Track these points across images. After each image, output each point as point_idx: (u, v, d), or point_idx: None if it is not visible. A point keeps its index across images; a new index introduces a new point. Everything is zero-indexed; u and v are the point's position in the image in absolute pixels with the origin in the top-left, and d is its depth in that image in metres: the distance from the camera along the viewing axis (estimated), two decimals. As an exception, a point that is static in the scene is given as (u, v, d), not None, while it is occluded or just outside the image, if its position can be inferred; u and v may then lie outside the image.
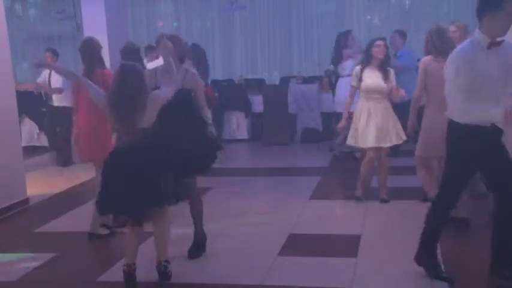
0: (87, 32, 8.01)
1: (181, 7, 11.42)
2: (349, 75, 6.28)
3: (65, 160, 7.87)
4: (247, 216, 5.26)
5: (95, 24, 7.96)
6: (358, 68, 5.30)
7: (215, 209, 5.48)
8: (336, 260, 4.04)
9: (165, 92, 3.68)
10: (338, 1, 10.72)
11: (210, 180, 6.30)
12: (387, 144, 5.20)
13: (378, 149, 5.23)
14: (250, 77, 10.63)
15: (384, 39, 5.35)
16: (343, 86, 7.08)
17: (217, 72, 10.69)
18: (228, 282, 3.75)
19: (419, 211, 4.80)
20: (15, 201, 5.74)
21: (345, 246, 4.31)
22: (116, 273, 3.94)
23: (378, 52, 5.17)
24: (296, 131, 9.27)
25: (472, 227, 4.56)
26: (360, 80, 5.23)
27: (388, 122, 5.19)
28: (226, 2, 10.76)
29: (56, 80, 7.55)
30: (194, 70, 4.25)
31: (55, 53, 7.96)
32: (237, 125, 9.41)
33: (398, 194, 5.45)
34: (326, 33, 10.14)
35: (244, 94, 9.37)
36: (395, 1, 10.66)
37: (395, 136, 5.21)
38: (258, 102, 9.25)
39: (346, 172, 6.44)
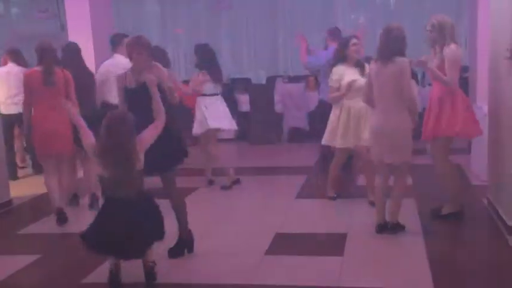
0: (72, 32, 7.93)
1: (167, 6, 11.37)
2: None
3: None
4: (233, 215, 5.25)
5: (79, 24, 7.87)
6: (336, 68, 5.19)
7: (202, 209, 5.46)
8: (323, 259, 4.04)
9: (147, 132, 3.67)
10: (324, 1, 10.74)
11: (197, 180, 6.30)
12: (363, 143, 5.05)
13: (348, 150, 5.26)
14: (236, 76, 10.61)
15: (356, 36, 5.29)
16: None
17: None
18: (215, 282, 3.73)
19: (405, 209, 4.85)
20: (-2, 203, 5.67)
21: (332, 244, 4.31)
22: (100, 275, 3.90)
23: (355, 51, 5.12)
24: (282, 130, 9.28)
25: (462, 224, 4.60)
26: (339, 80, 5.14)
27: (365, 122, 5.11)
28: (212, 2, 10.73)
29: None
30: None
31: (16, 53, 7.34)
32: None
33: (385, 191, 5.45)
34: (312, 32, 10.13)
35: (231, 93, 9.36)
36: (380, 0, 10.71)
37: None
38: (244, 102, 9.25)
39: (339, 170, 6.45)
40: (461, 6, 9.84)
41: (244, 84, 9.97)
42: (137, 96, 3.93)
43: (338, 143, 5.21)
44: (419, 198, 5.23)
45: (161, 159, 3.87)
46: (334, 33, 6.58)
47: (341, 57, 5.19)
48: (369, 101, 4.46)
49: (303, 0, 10.84)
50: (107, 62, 6.07)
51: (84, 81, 5.47)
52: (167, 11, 11.41)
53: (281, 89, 9.33)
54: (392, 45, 4.17)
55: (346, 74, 5.12)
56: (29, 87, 5.05)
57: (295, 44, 6.89)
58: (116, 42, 6.08)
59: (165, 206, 3.86)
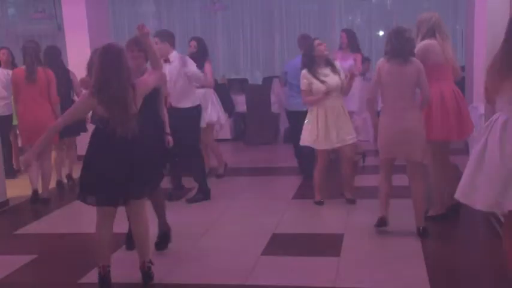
0: (68, 32, 7.93)
1: (163, 6, 11.37)
2: None
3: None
4: (229, 216, 5.25)
5: (76, 24, 7.88)
6: (305, 71, 5.19)
7: (198, 209, 5.46)
8: (319, 259, 4.04)
9: (150, 77, 3.64)
10: (320, 1, 10.76)
11: (193, 181, 6.28)
12: (346, 142, 5.16)
13: (328, 151, 5.27)
14: (232, 77, 10.62)
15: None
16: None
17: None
18: (211, 282, 3.73)
19: (402, 210, 4.85)
20: (-6, 203, 5.67)
21: (328, 245, 4.31)
22: (96, 275, 3.90)
23: (321, 50, 5.14)
24: (279, 131, 9.28)
25: (459, 224, 4.60)
26: (310, 83, 5.15)
27: (343, 120, 5.17)
28: (209, 2, 10.73)
29: None
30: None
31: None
32: (220, 124, 9.38)
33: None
34: (308, 33, 10.13)
35: (227, 94, 9.35)
36: (376, 1, 10.73)
37: (349, 135, 5.21)
38: (240, 102, 9.25)
39: (329, 172, 6.45)
40: (458, 6, 9.87)
41: (241, 84, 9.97)
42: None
43: (321, 145, 5.20)
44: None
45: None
46: (300, 41, 6.60)
47: (309, 61, 5.21)
48: (374, 100, 4.55)
49: (299, 1, 10.85)
50: None
51: (64, 79, 6.22)
52: (163, 11, 11.41)
53: (277, 89, 9.33)
54: (408, 46, 4.26)
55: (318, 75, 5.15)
56: (14, 84, 5.76)
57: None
58: None
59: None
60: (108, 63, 3.35)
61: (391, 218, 4.54)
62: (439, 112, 4.45)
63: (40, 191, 5.91)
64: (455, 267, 3.82)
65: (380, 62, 4.41)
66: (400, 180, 5.88)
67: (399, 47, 4.24)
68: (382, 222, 4.44)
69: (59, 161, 6.50)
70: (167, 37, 5.53)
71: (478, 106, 5.77)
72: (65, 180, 6.69)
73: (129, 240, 4.13)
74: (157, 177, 3.81)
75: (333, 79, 5.15)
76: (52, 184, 6.19)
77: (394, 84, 4.29)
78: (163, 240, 4.27)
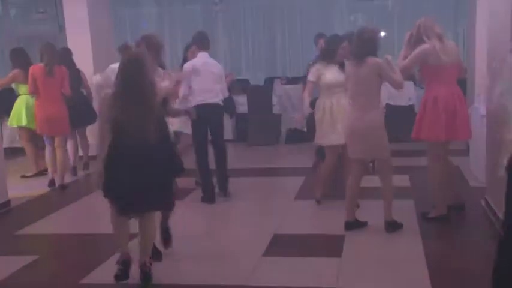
0: (70, 33, 7.94)
1: (164, 7, 11.38)
2: None
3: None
4: (231, 216, 5.25)
5: (78, 25, 7.89)
6: (319, 64, 5.25)
7: (199, 210, 5.46)
8: (321, 260, 4.04)
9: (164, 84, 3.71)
10: (321, 2, 10.76)
11: (194, 181, 6.28)
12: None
13: (337, 148, 5.23)
14: (234, 77, 10.60)
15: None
16: None
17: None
18: (212, 283, 3.73)
19: (403, 210, 4.86)
20: (-4, 204, 5.67)
21: (330, 246, 4.31)
22: (98, 275, 3.90)
23: (342, 54, 5.12)
24: (280, 132, 9.28)
25: (460, 225, 4.60)
26: (319, 75, 5.20)
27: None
28: (210, 3, 10.74)
29: None
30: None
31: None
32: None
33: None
34: (310, 33, 10.14)
35: (229, 95, 9.34)
36: (378, 2, 10.73)
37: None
38: (242, 103, 9.24)
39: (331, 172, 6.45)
40: (459, 8, 9.86)
41: (242, 85, 9.97)
42: None
43: (328, 141, 5.20)
44: (418, 200, 5.23)
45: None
46: (316, 39, 6.87)
47: (328, 55, 5.22)
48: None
49: (300, 1, 10.86)
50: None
51: (74, 76, 6.96)
52: (165, 12, 11.42)
53: (279, 90, 9.33)
54: (365, 48, 4.31)
55: (327, 72, 5.17)
56: (33, 79, 6.31)
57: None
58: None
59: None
60: (129, 68, 3.38)
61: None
62: (431, 113, 4.47)
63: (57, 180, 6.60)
64: (457, 267, 3.82)
65: (347, 64, 4.56)
66: (399, 181, 5.89)
67: (356, 48, 4.36)
68: (349, 226, 4.51)
69: (74, 150, 7.21)
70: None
71: (479, 107, 5.76)
72: (81, 169, 7.29)
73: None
74: (172, 187, 3.77)
75: (339, 76, 5.14)
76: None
77: (352, 85, 4.43)
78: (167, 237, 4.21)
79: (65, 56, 7.02)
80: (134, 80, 3.36)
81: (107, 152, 3.43)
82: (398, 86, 4.42)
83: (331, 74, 5.14)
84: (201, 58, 5.72)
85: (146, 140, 3.37)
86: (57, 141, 6.58)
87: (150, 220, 3.66)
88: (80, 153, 7.42)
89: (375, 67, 4.28)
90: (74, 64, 7.14)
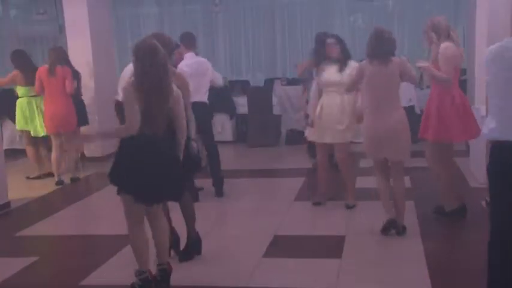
0: (70, 34, 7.93)
1: (164, 8, 11.37)
2: None
3: None
4: (231, 218, 5.24)
5: (78, 26, 7.88)
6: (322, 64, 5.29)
7: (199, 211, 5.43)
8: (321, 261, 4.03)
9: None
10: (321, 2, 10.75)
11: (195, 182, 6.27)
12: (336, 141, 5.13)
13: (325, 146, 5.24)
14: (234, 78, 10.61)
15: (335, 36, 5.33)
16: None
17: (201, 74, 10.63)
18: (213, 285, 3.73)
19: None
20: (-4, 205, 5.67)
21: (330, 247, 4.31)
22: (98, 277, 3.90)
23: (330, 51, 5.15)
24: (281, 133, 9.28)
25: (460, 226, 4.60)
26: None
27: (340, 117, 5.11)
28: (210, 4, 10.73)
29: None
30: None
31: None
32: (222, 127, 9.38)
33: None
34: (310, 34, 10.15)
35: (229, 96, 9.35)
36: (378, 2, 10.72)
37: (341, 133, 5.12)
38: (242, 104, 9.24)
39: (331, 173, 6.45)
40: (459, 8, 9.86)
41: (242, 86, 9.97)
42: None
43: (315, 138, 5.28)
44: (418, 200, 5.22)
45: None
46: None
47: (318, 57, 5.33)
48: (352, 89, 4.78)
49: (300, 2, 10.85)
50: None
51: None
52: (165, 12, 11.41)
53: (279, 91, 9.32)
54: (387, 47, 4.32)
55: (324, 71, 5.20)
56: (39, 80, 6.70)
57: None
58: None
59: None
60: (147, 57, 3.30)
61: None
62: (451, 114, 4.47)
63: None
64: (457, 268, 3.82)
65: (364, 63, 4.49)
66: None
67: (379, 47, 4.32)
68: (390, 224, 4.42)
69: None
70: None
71: (479, 108, 5.76)
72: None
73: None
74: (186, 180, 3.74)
75: (334, 75, 5.13)
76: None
77: (376, 85, 4.37)
78: (187, 251, 4.15)
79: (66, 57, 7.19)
80: (151, 69, 3.29)
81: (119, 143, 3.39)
82: (416, 82, 4.67)
83: (325, 72, 5.18)
84: (191, 59, 5.81)
85: (160, 130, 3.35)
86: (64, 138, 6.89)
87: (160, 218, 3.62)
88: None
89: (400, 66, 4.30)
90: (70, 65, 7.10)
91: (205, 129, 5.72)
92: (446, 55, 4.42)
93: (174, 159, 3.45)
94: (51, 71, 6.68)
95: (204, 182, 6.12)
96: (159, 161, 3.36)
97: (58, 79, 6.72)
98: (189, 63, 5.72)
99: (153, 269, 3.57)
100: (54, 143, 6.85)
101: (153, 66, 3.29)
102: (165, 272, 3.61)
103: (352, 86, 4.73)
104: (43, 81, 6.72)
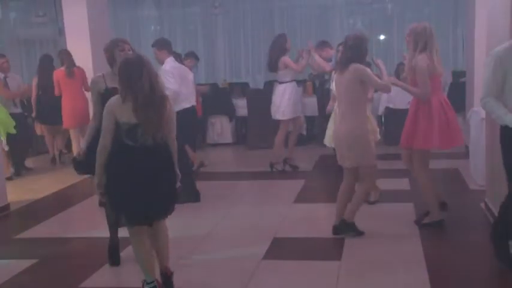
0: (70, 36, 7.93)
1: (164, 10, 11.39)
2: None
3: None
4: (231, 220, 5.24)
5: (77, 28, 7.88)
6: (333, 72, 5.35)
7: (199, 213, 5.46)
8: (320, 263, 4.04)
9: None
10: (321, 5, 10.77)
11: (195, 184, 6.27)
12: None
13: None
14: (234, 81, 10.62)
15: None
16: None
17: (200, 76, 10.66)
18: (212, 287, 3.72)
19: (403, 214, 4.85)
20: (-5, 207, 5.67)
21: (329, 249, 4.31)
22: (98, 279, 3.90)
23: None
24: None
25: (459, 228, 4.61)
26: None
27: None
28: (210, 6, 10.75)
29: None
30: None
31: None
32: (221, 129, 9.39)
33: (382, 196, 5.46)
34: (309, 37, 10.16)
35: (228, 98, 9.36)
36: (377, 6, 10.74)
37: None
38: (242, 106, 9.25)
39: (330, 175, 6.45)
40: (458, 11, 9.88)
41: (242, 88, 9.98)
42: None
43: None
44: (418, 203, 5.22)
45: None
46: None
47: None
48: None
49: (300, 4, 10.86)
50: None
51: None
52: (164, 15, 11.43)
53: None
54: (348, 54, 4.34)
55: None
56: (56, 82, 7.40)
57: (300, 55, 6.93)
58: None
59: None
60: (136, 72, 3.25)
61: (391, 222, 4.55)
62: (426, 123, 4.44)
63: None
64: (456, 270, 3.82)
65: (335, 72, 4.64)
66: (398, 184, 5.91)
67: (341, 55, 4.44)
68: (336, 230, 4.51)
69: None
70: (165, 45, 6.00)
71: (479, 110, 5.77)
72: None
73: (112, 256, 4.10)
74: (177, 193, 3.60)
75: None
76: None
77: (337, 92, 4.49)
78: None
79: (46, 62, 7.91)
80: (140, 80, 3.23)
81: (108, 158, 3.31)
82: (386, 89, 4.47)
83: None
84: (175, 62, 5.99)
85: (157, 142, 3.31)
86: (77, 131, 7.41)
87: (162, 224, 3.56)
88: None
89: (356, 73, 4.26)
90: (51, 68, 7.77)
91: (195, 133, 5.94)
92: (421, 68, 4.36)
93: (170, 171, 3.40)
94: (69, 73, 7.34)
95: (200, 185, 6.13)
96: (155, 176, 3.30)
97: (77, 79, 7.37)
98: (175, 66, 5.95)
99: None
100: (75, 135, 7.40)
101: (143, 77, 3.23)
102: (166, 277, 3.58)
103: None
104: (59, 82, 7.36)
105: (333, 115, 5.40)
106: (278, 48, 6.80)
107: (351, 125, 4.31)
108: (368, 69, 4.32)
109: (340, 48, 5.12)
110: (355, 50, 4.31)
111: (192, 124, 6.12)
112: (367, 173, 4.42)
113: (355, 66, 4.26)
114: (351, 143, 4.31)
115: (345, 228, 4.45)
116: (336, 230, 4.50)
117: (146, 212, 3.34)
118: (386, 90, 4.48)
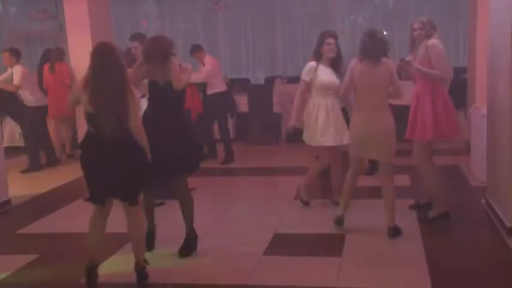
0: (70, 32, 7.91)
1: (165, 7, 11.37)
2: None
3: (48, 160, 7.89)
4: (232, 216, 5.25)
5: (78, 24, 7.86)
6: (313, 63, 5.14)
7: (200, 209, 5.44)
8: (321, 259, 4.04)
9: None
10: (322, 1, 10.75)
11: (195, 181, 6.27)
12: (344, 142, 5.03)
13: (334, 148, 5.17)
14: (234, 77, 10.61)
15: (334, 35, 5.18)
16: None
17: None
18: (213, 282, 3.73)
19: (403, 210, 4.85)
20: (-4, 203, 5.67)
21: (330, 245, 4.31)
22: (100, 273, 3.90)
23: (328, 50, 5.07)
24: (281, 131, 9.27)
25: (460, 225, 4.60)
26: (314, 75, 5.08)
27: (341, 120, 5.11)
28: (211, 2, 10.73)
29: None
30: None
31: (15, 53, 7.61)
32: (222, 125, 9.38)
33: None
34: (310, 33, 10.15)
35: (229, 94, 9.34)
36: (379, 1, 10.72)
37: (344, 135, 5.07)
38: (242, 102, 9.24)
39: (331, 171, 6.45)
40: (460, 7, 9.86)
41: (243, 84, 9.97)
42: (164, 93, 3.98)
43: (319, 141, 5.13)
44: (418, 199, 5.22)
45: (176, 163, 3.96)
46: None
47: (317, 55, 5.15)
48: (346, 97, 4.65)
49: (301, 0, 10.85)
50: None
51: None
52: (165, 11, 11.41)
53: (280, 89, 9.32)
54: (378, 47, 4.30)
55: (322, 74, 5.09)
56: (44, 76, 8.02)
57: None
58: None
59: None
60: (99, 58, 3.41)
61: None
62: (446, 111, 4.50)
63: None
64: (457, 267, 3.82)
65: (353, 62, 4.46)
66: (400, 180, 5.89)
67: (371, 47, 4.29)
68: (339, 220, 4.58)
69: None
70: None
71: (480, 106, 5.76)
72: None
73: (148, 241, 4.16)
74: (147, 182, 3.70)
75: (330, 78, 5.10)
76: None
77: (366, 85, 4.35)
78: (187, 247, 4.18)
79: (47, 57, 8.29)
80: (101, 69, 3.36)
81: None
82: (399, 94, 4.39)
83: (325, 75, 5.09)
84: None
85: (117, 133, 3.38)
86: (58, 120, 8.29)
87: (135, 217, 3.64)
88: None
89: (389, 68, 4.28)
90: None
91: None
92: (439, 50, 4.44)
93: (129, 160, 3.47)
94: (50, 68, 7.94)
95: (201, 181, 6.13)
96: (114, 162, 3.42)
97: (57, 74, 7.92)
98: None
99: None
100: (57, 123, 8.32)
101: (105, 65, 3.34)
102: (137, 273, 3.62)
103: (348, 88, 4.56)
104: (47, 77, 7.99)
105: (314, 111, 5.11)
106: None
107: (384, 118, 4.30)
108: (394, 69, 4.35)
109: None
110: (385, 44, 4.32)
111: None
112: (389, 169, 4.40)
113: (388, 61, 4.30)
114: (384, 136, 4.29)
115: (396, 232, 4.39)
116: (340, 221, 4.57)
117: (102, 191, 3.55)
118: (400, 95, 4.41)
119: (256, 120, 8.94)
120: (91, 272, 3.62)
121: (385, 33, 10.22)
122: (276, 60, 11.04)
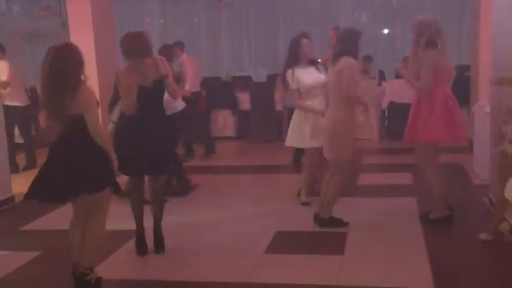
0: (73, 30, 7.94)
1: (167, 4, 11.38)
2: None
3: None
4: (233, 213, 5.25)
5: (81, 22, 7.88)
6: (289, 71, 5.11)
7: (202, 207, 5.47)
8: (323, 257, 4.04)
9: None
10: (325, -1, 10.75)
11: (197, 178, 6.29)
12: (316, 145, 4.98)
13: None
14: (237, 74, 10.61)
15: (306, 35, 5.26)
16: None
17: (203, 70, 10.65)
18: (214, 280, 3.73)
19: (405, 208, 4.86)
20: (0, 200, 5.69)
21: (332, 243, 4.31)
22: (101, 271, 3.91)
23: (307, 52, 5.12)
24: (283, 128, 9.27)
25: (462, 223, 4.61)
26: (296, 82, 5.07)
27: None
28: (213, 0, 10.73)
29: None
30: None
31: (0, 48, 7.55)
32: (224, 122, 9.41)
33: (385, 191, 5.47)
34: (313, 30, 10.12)
35: (231, 92, 9.36)
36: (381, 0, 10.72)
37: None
38: (244, 100, 9.25)
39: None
40: (463, 5, 9.84)
41: (245, 82, 9.97)
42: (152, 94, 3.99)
43: (304, 143, 5.13)
44: (420, 198, 5.23)
45: (155, 162, 3.96)
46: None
47: (294, 59, 5.14)
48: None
49: (304, -2, 10.85)
50: None
51: None
52: (168, 9, 11.42)
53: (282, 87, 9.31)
54: (340, 46, 4.36)
55: (303, 76, 5.07)
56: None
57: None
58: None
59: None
60: (52, 57, 3.36)
61: (393, 216, 4.53)
62: (427, 115, 4.41)
63: None
64: (459, 265, 3.82)
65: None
66: (401, 178, 5.91)
67: (335, 47, 4.43)
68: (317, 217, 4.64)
69: None
70: None
71: (483, 105, 5.76)
72: None
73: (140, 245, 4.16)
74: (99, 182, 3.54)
75: (314, 77, 5.09)
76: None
77: (328, 84, 4.52)
78: (157, 241, 4.20)
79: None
80: (46, 65, 3.34)
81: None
82: (355, 100, 4.35)
83: (307, 76, 5.07)
84: None
85: (72, 130, 3.34)
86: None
87: (96, 215, 3.59)
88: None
89: (340, 68, 4.28)
90: None
91: None
92: (426, 64, 4.31)
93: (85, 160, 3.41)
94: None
95: (203, 178, 6.14)
96: (69, 161, 3.39)
97: None
98: None
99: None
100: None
101: (50, 63, 3.32)
102: (75, 278, 3.56)
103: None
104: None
105: (302, 114, 5.11)
106: None
107: (333, 116, 4.36)
108: (355, 67, 4.31)
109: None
110: (344, 43, 4.34)
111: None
112: (338, 168, 4.44)
113: (345, 59, 4.29)
114: (331, 134, 4.37)
115: (330, 223, 4.53)
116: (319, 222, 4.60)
117: (52, 191, 3.56)
118: (356, 100, 4.38)
119: (258, 117, 8.95)
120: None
121: (384, 30, 10.25)
122: (278, 58, 11.01)
